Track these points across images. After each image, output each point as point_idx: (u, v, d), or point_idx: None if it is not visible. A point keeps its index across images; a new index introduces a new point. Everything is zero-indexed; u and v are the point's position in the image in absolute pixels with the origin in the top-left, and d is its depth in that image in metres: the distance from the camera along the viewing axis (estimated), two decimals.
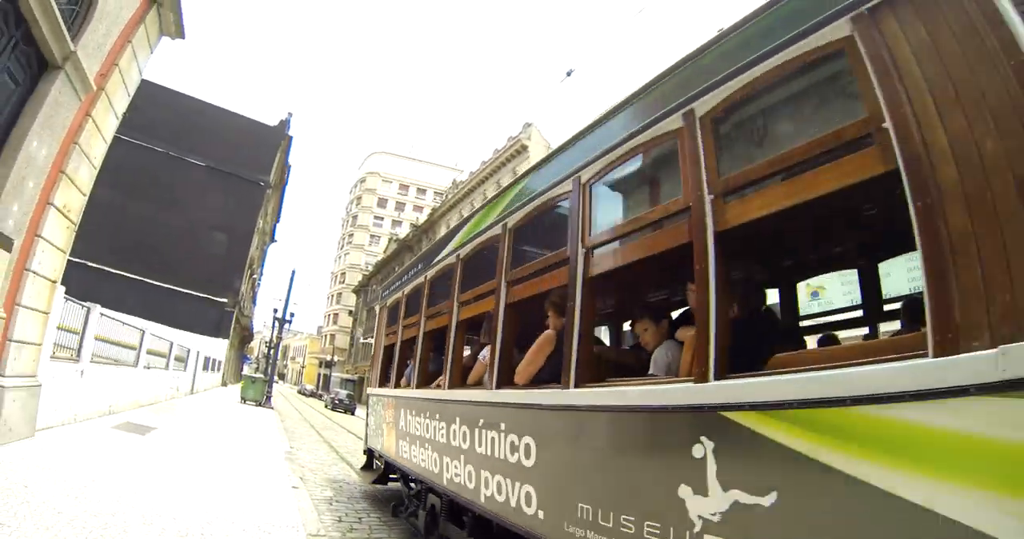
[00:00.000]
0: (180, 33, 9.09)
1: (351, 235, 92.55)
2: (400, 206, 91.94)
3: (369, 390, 10.27)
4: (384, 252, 69.06)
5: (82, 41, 6.60)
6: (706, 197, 2.70)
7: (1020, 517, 1.46)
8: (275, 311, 34.52)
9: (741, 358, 2.52)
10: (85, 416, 9.88)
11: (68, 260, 7.78)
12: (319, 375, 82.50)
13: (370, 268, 73.91)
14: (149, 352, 14.85)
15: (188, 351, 21.96)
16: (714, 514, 2.37)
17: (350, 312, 77.98)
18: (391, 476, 8.17)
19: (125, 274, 27.31)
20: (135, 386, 13.57)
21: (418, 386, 6.57)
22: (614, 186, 3.85)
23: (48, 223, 6.83)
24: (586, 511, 3.13)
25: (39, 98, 6.21)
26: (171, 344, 18.26)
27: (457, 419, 5.09)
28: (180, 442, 9.60)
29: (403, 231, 71.06)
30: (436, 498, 5.81)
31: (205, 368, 27.39)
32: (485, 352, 4.98)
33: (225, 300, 32.29)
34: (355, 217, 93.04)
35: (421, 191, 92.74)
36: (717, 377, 2.49)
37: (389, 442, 7.57)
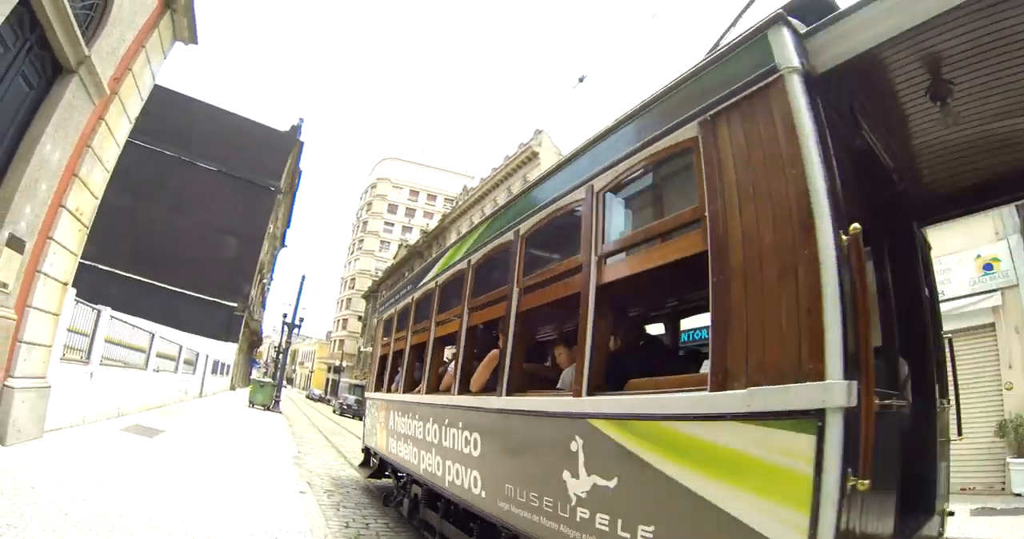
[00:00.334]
0: (193, 38, 9.16)
1: (361, 240, 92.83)
2: (411, 212, 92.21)
3: (367, 394, 11.64)
4: (394, 258, 69.19)
5: (96, 46, 6.66)
6: (592, 258, 3.60)
7: (751, 502, 2.24)
8: (284, 316, 34.61)
9: (619, 379, 3.37)
10: (94, 418, 9.91)
11: (79, 262, 7.83)
12: (328, 380, 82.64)
13: (380, 274, 74.04)
14: (158, 355, 14.91)
15: (197, 355, 22.03)
16: (583, 492, 3.25)
17: (359, 317, 78.14)
18: (386, 473, 9.05)
19: (136, 277, 27.49)
20: (144, 389, 13.62)
21: (404, 391, 7.54)
22: (547, 242, 4.78)
23: (60, 226, 6.88)
24: (509, 489, 4.09)
25: (53, 102, 6.27)
26: (180, 347, 18.33)
27: (430, 418, 6.09)
28: (188, 445, 9.61)
29: (413, 237, 71.22)
30: (418, 487, 6.68)
31: (214, 372, 27.46)
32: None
33: (235, 304, 32.44)
34: (365, 223, 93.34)
35: (432, 197, 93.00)
36: (588, 394, 3.38)
37: (381, 440, 8.64)
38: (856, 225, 2.20)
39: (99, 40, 6.72)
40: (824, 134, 2.48)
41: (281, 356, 34.48)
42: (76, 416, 9.06)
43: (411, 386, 7.37)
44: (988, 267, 11.57)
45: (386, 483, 9.14)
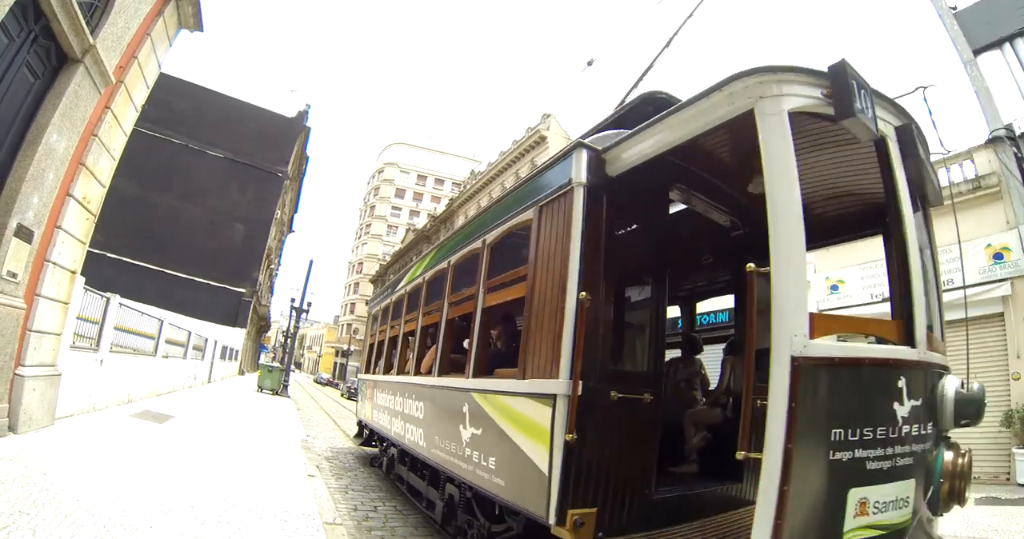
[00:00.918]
0: (198, 26, 9.13)
1: (369, 225, 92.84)
2: (418, 196, 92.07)
3: (359, 376, 14.37)
4: (402, 242, 69.19)
5: (101, 35, 6.66)
6: (481, 288, 5.38)
7: (528, 442, 3.92)
8: (292, 301, 34.69)
9: (493, 368, 5.01)
10: (104, 405, 10.03)
11: (88, 251, 7.88)
12: (336, 364, 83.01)
13: (388, 258, 74.10)
14: (167, 341, 15.03)
15: (206, 340, 22.18)
16: (467, 439, 5.04)
17: (367, 302, 78.27)
18: (372, 442, 11.23)
19: (144, 264, 27.60)
20: (153, 375, 13.79)
21: (383, 373, 9.54)
22: (466, 271, 6.14)
23: (68, 214, 6.93)
24: (432, 437, 6.11)
25: (59, 91, 6.28)
26: (189, 333, 18.47)
27: (398, 393, 8.03)
28: (198, 430, 9.71)
29: (421, 221, 71.11)
30: (393, 449, 8.72)
31: (222, 357, 27.65)
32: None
33: (243, 290, 32.55)
34: (373, 207, 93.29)
35: (439, 181, 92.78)
36: (472, 376, 5.16)
37: (368, 412, 10.76)
38: (584, 293, 3.68)
39: (104, 29, 6.72)
40: (596, 228, 3.94)
41: (289, 341, 34.69)
42: (86, 403, 9.17)
43: (388, 369, 9.30)
44: (999, 256, 11.50)
45: (374, 451, 10.99)
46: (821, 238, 5.24)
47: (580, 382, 3.60)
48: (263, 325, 59.53)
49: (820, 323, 2.73)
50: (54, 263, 6.79)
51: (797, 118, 3.00)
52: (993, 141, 11.80)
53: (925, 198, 3.92)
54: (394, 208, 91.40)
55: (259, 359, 54.33)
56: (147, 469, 6.03)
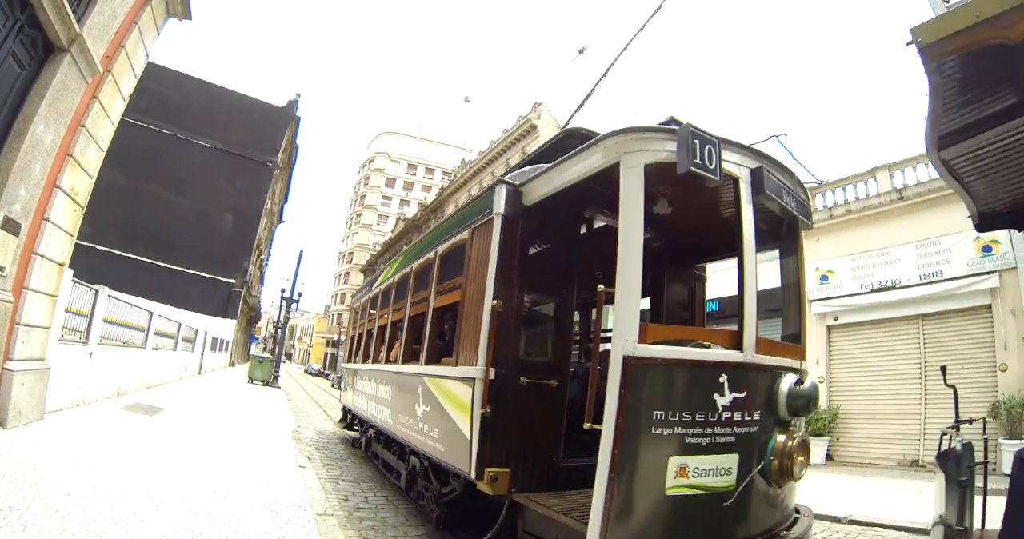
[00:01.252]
0: (187, 14, 9.03)
1: (359, 215, 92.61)
2: (408, 186, 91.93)
3: (342, 365, 16.92)
4: (392, 232, 69.02)
5: (88, 23, 6.58)
6: (433, 291, 6.60)
7: (458, 415, 5.07)
8: (282, 291, 34.60)
9: (443, 357, 5.99)
10: (94, 398, 9.99)
11: (76, 243, 7.81)
12: (326, 354, 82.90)
13: (378, 247, 73.93)
14: (157, 333, 14.95)
15: (196, 332, 22.09)
16: (420, 415, 6.12)
17: (352, 295, 77.99)
18: (355, 426, 12.38)
19: (133, 256, 27.46)
20: (143, 367, 13.73)
21: (362, 362, 10.79)
22: (423, 277, 7.40)
23: (55, 206, 6.86)
24: (397, 416, 7.29)
25: (45, 81, 6.20)
26: (179, 325, 18.39)
27: (373, 379, 9.29)
28: (188, 423, 9.70)
29: (411, 211, 70.96)
30: (371, 429, 9.83)
31: (213, 349, 27.56)
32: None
33: (233, 281, 32.45)
34: (363, 197, 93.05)
35: (429, 171, 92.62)
36: (424, 364, 6.32)
37: (350, 398, 12.11)
38: (497, 301, 4.71)
39: (90, 17, 6.64)
40: (511, 249, 4.94)
41: (279, 331, 34.60)
42: (76, 396, 9.13)
43: (365, 358, 10.52)
44: (987, 249, 11.60)
45: (356, 434, 12.17)
46: (704, 256, 6.66)
47: (492, 369, 4.68)
48: (253, 316, 59.36)
49: (651, 332, 3.61)
50: (42, 256, 6.72)
51: (661, 167, 3.78)
52: None
53: (793, 224, 4.73)
54: (384, 197, 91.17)
55: (250, 350, 54.25)
56: (138, 462, 6.02)
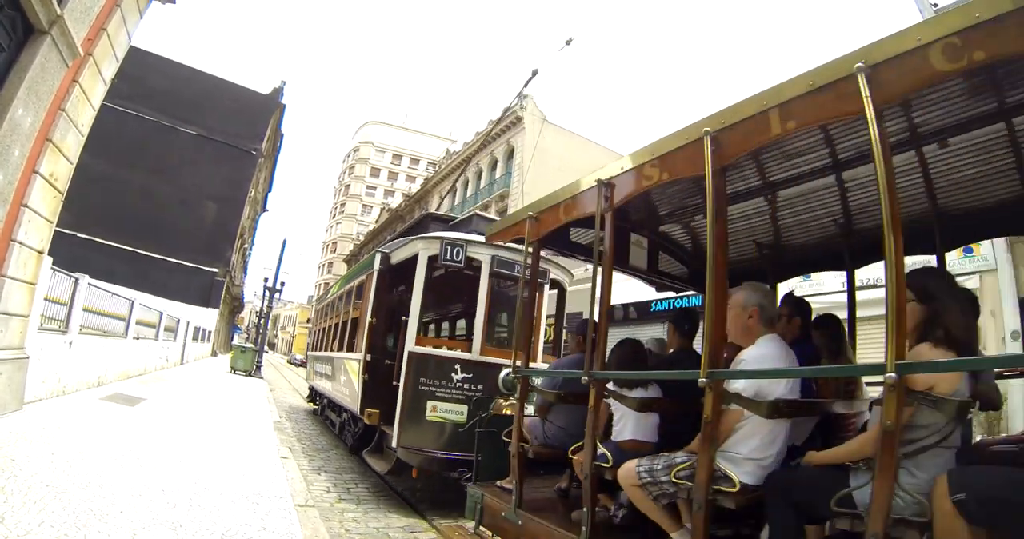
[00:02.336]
0: None
1: (343, 204, 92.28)
2: (393, 176, 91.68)
3: (308, 353, 23.64)
4: (376, 222, 68.72)
5: (69, 5, 6.42)
6: (351, 309, 10.81)
7: (352, 380, 9.53)
8: (266, 281, 34.29)
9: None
10: (74, 388, 9.87)
11: (55, 230, 7.69)
12: (309, 345, 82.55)
13: (362, 237, 73.62)
14: (138, 323, 14.78)
15: (178, 321, 21.87)
16: (342, 382, 10.39)
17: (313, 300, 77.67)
18: (316, 401, 16.03)
19: (114, 244, 27.05)
20: (124, 357, 13.57)
21: (319, 351, 14.75)
22: (356, 296, 10.73)
23: (34, 192, 6.71)
24: (334, 385, 11.42)
25: (24, 64, 6.05)
26: (161, 314, 18.19)
27: (323, 363, 13.22)
28: (169, 413, 9.62)
29: (396, 201, 70.67)
30: (325, 399, 13.40)
31: (195, 338, 27.34)
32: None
33: (216, 270, 32.10)
34: (347, 186, 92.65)
35: (414, 161, 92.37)
36: (344, 351, 10.54)
37: (312, 377, 16.06)
38: (373, 319, 8.74)
39: None
40: (382, 290, 8.94)
41: (263, 321, 34.37)
42: (56, 386, 9.01)
43: (320, 348, 14.81)
44: (968, 250, 11.63)
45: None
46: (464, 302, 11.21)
47: (369, 354, 8.54)
48: (236, 305, 58.95)
49: (421, 341, 7.53)
50: (20, 243, 6.59)
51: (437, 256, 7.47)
52: None
53: (543, 282, 8.20)
54: (369, 187, 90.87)
55: (232, 340, 53.84)
56: (118, 453, 5.95)
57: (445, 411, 6.95)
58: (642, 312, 19.52)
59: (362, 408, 8.24)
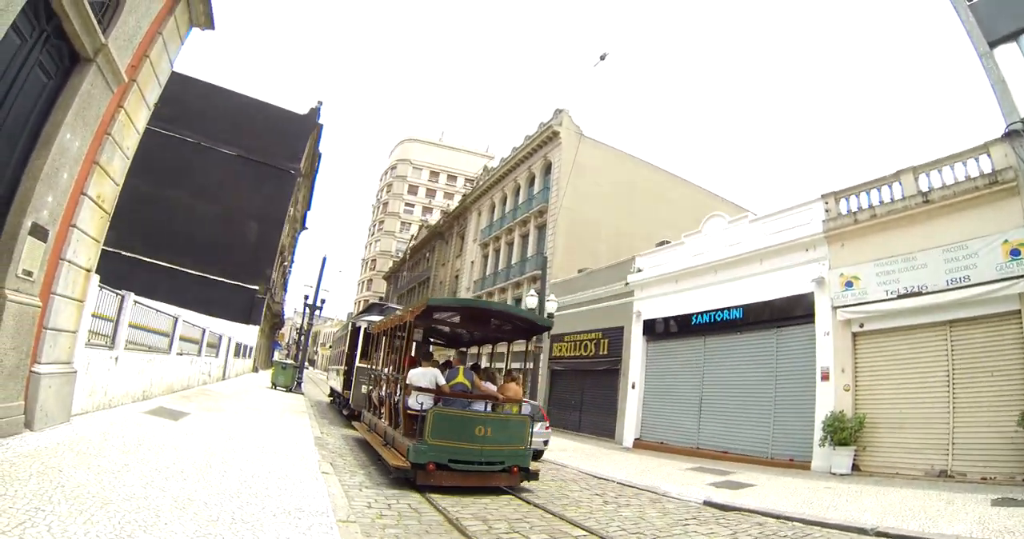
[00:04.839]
0: (210, 23, 9.16)
1: (381, 222, 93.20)
2: (431, 193, 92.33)
3: (330, 367, 34.08)
4: (414, 238, 69.26)
5: (113, 34, 6.68)
6: (347, 348, 21.68)
7: (340, 380, 21.97)
8: (306, 298, 34.77)
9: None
10: (119, 402, 10.13)
11: (102, 249, 7.93)
12: None
13: (400, 255, 74.19)
14: (182, 339, 15.14)
15: (220, 337, 22.34)
16: (340, 380, 21.70)
17: (380, 298, 78.44)
18: (333, 398, 25.12)
19: (158, 262, 27.83)
20: (168, 372, 13.90)
21: (336, 365, 24.91)
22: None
23: (82, 213, 6.96)
24: (334, 380, 25.22)
25: (71, 91, 6.30)
26: (203, 331, 18.60)
27: (336, 373, 23.85)
28: (212, 427, 9.79)
29: (434, 218, 71.11)
30: (336, 394, 23.12)
31: (236, 354, 27.84)
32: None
33: (256, 287, 32.75)
34: (385, 204, 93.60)
35: (452, 178, 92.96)
36: (342, 366, 21.49)
37: (333, 382, 25.05)
38: (347, 351, 20.17)
39: (115, 28, 6.74)
40: (354, 341, 19.29)
41: (303, 338, 34.84)
42: (102, 400, 9.26)
43: (337, 365, 23.74)
44: (1015, 253, 11.17)
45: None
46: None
47: (350, 367, 18.74)
48: (276, 322, 59.86)
49: (361, 361, 17.99)
50: (69, 261, 6.83)
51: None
52: (1010, 135, 11.49)
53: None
54: (407, 205, 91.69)
55: (272, 356, 54.62)
56: (161, 466, 6.08)
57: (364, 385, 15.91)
58: (682, 325, 19.47)
59: (344, 390, 19.41)
